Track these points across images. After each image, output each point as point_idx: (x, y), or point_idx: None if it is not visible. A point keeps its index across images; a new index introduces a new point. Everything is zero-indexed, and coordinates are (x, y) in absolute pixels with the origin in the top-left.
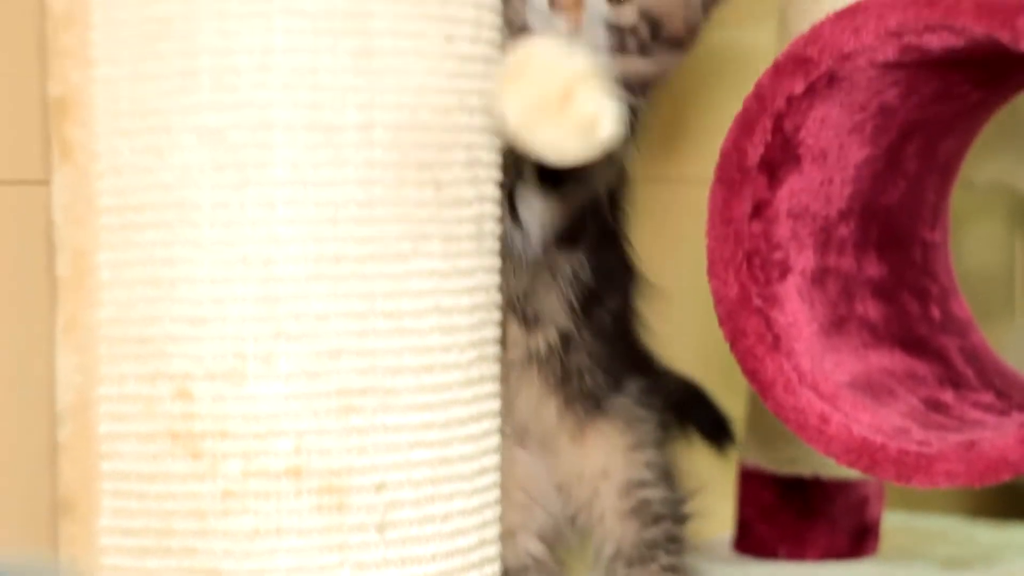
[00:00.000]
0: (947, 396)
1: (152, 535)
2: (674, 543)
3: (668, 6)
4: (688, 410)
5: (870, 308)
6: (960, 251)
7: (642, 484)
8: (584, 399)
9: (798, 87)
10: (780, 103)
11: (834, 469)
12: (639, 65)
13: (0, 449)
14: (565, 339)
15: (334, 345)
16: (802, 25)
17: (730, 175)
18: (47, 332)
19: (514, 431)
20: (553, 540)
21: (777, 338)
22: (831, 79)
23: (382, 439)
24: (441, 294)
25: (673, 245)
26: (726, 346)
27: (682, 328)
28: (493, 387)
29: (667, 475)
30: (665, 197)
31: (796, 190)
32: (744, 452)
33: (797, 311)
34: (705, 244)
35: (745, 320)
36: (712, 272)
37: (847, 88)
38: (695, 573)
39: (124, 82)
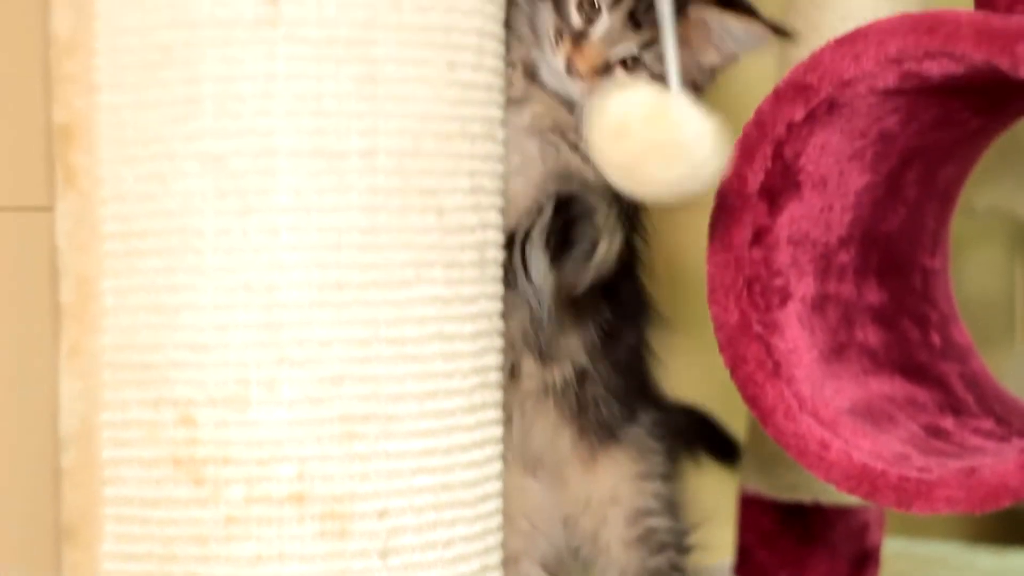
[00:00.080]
0: (947, 422)
1: (155, 561)
2: (677, 573)
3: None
4: (696, 434)
5: (870, 334)
6: (960, 277)
7: (649, 513)
8: (599, 429)
9: (798, 114)
10: (780, 130)
11: (834, 495)
12: None
13: (3, 475)
14: (581, 374)
15: (337, 371)
16: (802, 52)
17: (730, 202)
18: (50, 358)
19: (526, 461)
20: (555, 569)
21: (777, 364)
22: (831, 106)
23: (384, 465)
24: (444, 321)
25: (673, 271)
26: (726, 372)
27: (682, 354)
28: (496, 413)
29: (673, 506)
30: (665, 223)
31: (796, 217)
32: (744, 478)
33: (797, 337)
34: (705, 270)
35: (745, 346)
36: (712, 298)
37: (847, 115)
38: None
39: (128, 109)
